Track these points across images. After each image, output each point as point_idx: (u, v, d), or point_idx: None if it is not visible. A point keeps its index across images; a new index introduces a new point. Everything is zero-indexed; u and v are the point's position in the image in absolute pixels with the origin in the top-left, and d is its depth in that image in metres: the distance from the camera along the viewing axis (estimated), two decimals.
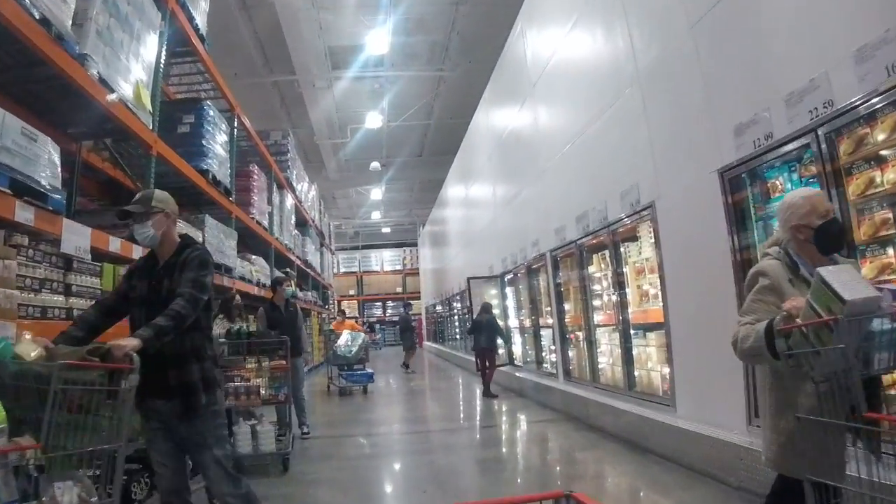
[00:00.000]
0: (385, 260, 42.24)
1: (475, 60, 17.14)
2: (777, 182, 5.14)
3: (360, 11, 14.91)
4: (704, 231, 5.67)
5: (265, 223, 12.82)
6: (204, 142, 9.06)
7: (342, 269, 41.09)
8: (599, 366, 8.59)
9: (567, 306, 9.90)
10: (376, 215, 36.93)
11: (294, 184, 16.76)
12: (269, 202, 13.49)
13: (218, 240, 9.13)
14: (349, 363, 13.81)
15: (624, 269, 7.77)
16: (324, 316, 24.90)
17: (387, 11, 14.89)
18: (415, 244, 39.69)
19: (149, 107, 6.95)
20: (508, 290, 13.92)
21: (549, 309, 11.04)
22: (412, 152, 26.48)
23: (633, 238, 7.74)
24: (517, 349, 13.14)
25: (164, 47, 7.54)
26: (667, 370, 6.94)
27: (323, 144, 22.95)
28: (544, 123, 10.16)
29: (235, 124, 11.02)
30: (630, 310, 7.67)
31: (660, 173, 6.38)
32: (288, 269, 15.77)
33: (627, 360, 7.51)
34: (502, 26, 12.77)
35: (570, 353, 9.75)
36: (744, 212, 5.29)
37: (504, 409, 10.89)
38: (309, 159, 24.97)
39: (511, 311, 13.80)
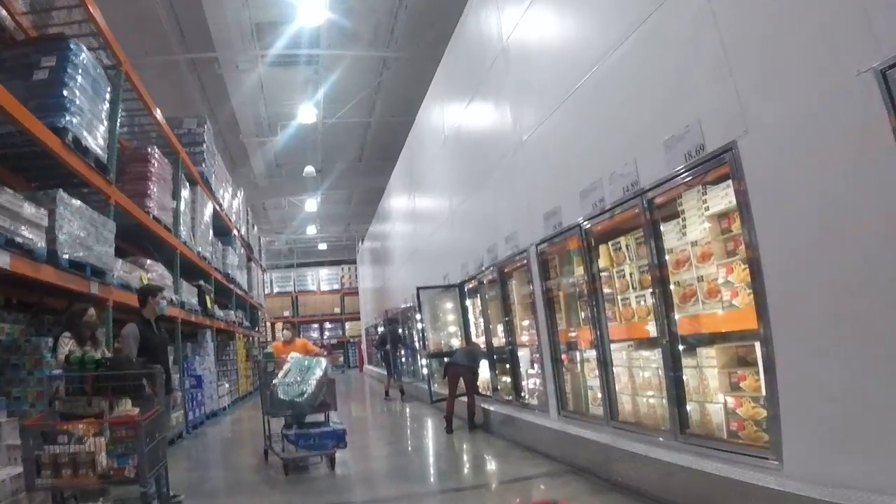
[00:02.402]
0: (322, 279, 39.29)
1: (424, 44, 14.82)
2: None
3: None
4: (853, 173, 3.44)
5: (167, 221, 10.17)
6: (66, 92, 6.56)
7: (276, 289, 38.14)
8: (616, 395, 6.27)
9: (559, 317, 7.58)
10: (311, 230, 34.10)
11: (211, 182, 14.10)
12: (176, 197, 10.86)
13: (79, 228, 6.51)
14: (300, 412, 7.55)
15: (662, 259, 5.43)
16: (253, 339, 22.12)
17: None
18: (353, 262, 36.98)
19: None
20: (470, 303, 11.52)
21: (526, 323, 8.72)
22: (351, 156, 23.89)
23: (672, 215, 5.51)
24: (482, 374, 10.72)
25: None
26: (733, 401, 4.78)
27: (250, 143, 20.20)
28: (524, 80, 7.84)
29: (123, 83, 8.41)
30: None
31: (747, 97, 4.11)
32: (202, 283, 13.07)
33: (676, 389, 5.14)
34: (457, 3, 10.56)
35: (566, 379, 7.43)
36: None
37: (470, 452, 8.46)
38: (235, 162, 22.19)
39: (474, 329, 11.38)
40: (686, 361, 5.22)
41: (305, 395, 7.39)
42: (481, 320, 10.67)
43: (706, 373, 5.12)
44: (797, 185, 3.80)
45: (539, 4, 7.27)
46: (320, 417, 7.90)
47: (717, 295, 5.01)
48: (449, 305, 12.63)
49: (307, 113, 18.07)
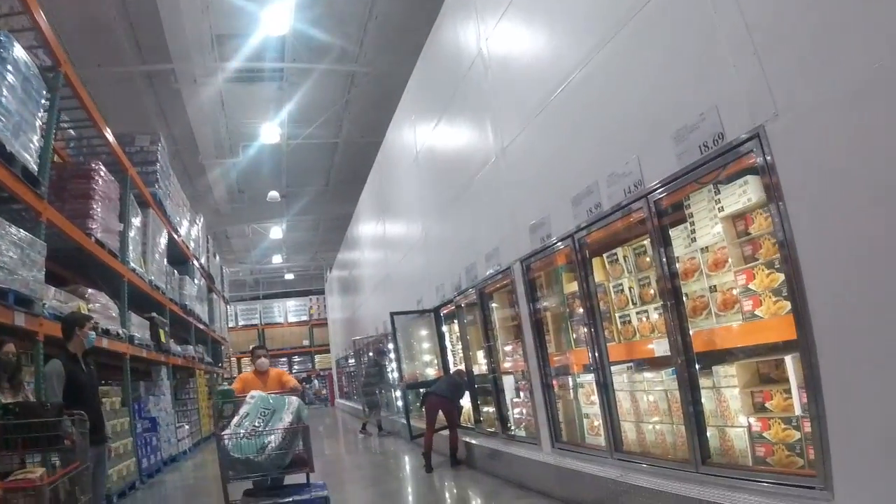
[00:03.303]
0: (289, 310, 37.85)
1: (394, 59, 14.09)
2: None
3: None
4: None
5: (112, 246, 9.31)
6: None
7: (241, 322, 36.72)
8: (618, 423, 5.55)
9: (548, 339, 6.86)
10: (277, 259, 33.03)
11: (166, 205, 13.22)
12: (124, 220, 10.01)
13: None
14: (262, 471, 5.24)
15: (673, 268, 4.76)
16: (216, 375, 21.04)
17: None
18: (322, 292, 35.91)
19: None
20: (446, 329, 10.80)
21: (510, 348, 8.03)
22: (317, 180, 23.05)
23: (678, 220, 4.87)
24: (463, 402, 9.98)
25: None
26: (759, 424, 4.16)
27: (210, 165, 19.19)
28: (504, 82, 7.18)
29: (62, 87, 7.60)
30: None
31: (776, 75, 3.50)
32: (155, 315, 12.14)
33: (695, 413, 4.45)
34: (429, 15, 9.98)
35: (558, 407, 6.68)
36: None
37: (456, 494, 7.67)
38: (195, 187, 21.09)
39: (451, 356, 10.65)
40: (701, 382, 4.55)
41: (268, 451, 5.12)
42: (459, 347, 9.95)
43: (725, 393, 4.45)
44: (843, 171, 3.20)
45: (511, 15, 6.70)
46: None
47: (734, 306, 4.38)
48: (423, 333, 11.92)
49: (270, 132, 17.25)
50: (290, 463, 5.29)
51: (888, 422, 3.01)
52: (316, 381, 35.70)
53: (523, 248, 6.78)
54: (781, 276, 3.90)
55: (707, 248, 4.61)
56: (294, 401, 5.56)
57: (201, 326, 17.99)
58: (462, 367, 9.62)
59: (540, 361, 6.72)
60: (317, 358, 37.16)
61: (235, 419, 5.38)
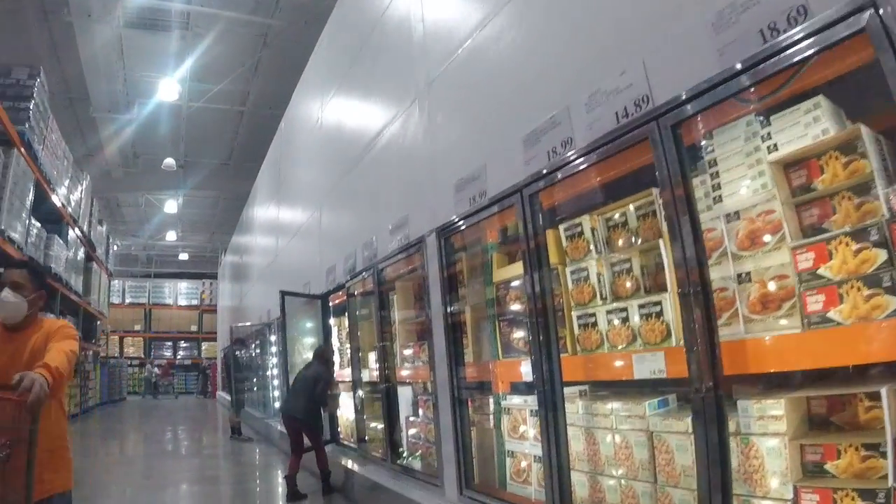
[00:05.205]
0: (180, 293, 34.97)
1: (312, 20, 12.30)
2: None
3: None
4: None
5: None
6: None
7: (128, 300, 33.70)
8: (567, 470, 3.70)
9: (466, 342, 5.01)
10: (171, 236, 30.24)
11: (38, 150, 10.85)
12: None
13: None
14: None
15: (698, 235, 2.89)
16: (87, 353, 18.59)
17: None
18: (215, 276, 33.12)
19: None
20: (336, 323, 8.87)
21: (409, 351, 6.18)
22: (219, 152, 20.74)
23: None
24: (346, 415, 8.07)
25: None
26: (815, 497, 2.50)
27: (102, 120, 16.83)
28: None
29: None
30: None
31: None
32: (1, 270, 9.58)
33: (722, 465, 2.61)
34: None
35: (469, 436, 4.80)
36: None
37: None
38: (87, 144, 18.61)
39: (338, 356, 8.71)
40: (745, 418, 2.80)
41: None
42: (348, 347, 8.02)
43: (758, 445, 2.71)
44: None
45: None
46: None
47: (780, 305, 2.68)
48: (309, 325, 9.93)
49: (169, 89, 15.19)
50: None
51: None
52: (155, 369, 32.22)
53: (443, 215, 4.92)
54: (882, 255, 2.27)
55: (738, 212, 2.89)
56: None
57: (72, 296, 15.55)
58: (348, 370, 7.79)
59: (452, 371, 4.82)
60: (204, 346, 34.79)
61: None
